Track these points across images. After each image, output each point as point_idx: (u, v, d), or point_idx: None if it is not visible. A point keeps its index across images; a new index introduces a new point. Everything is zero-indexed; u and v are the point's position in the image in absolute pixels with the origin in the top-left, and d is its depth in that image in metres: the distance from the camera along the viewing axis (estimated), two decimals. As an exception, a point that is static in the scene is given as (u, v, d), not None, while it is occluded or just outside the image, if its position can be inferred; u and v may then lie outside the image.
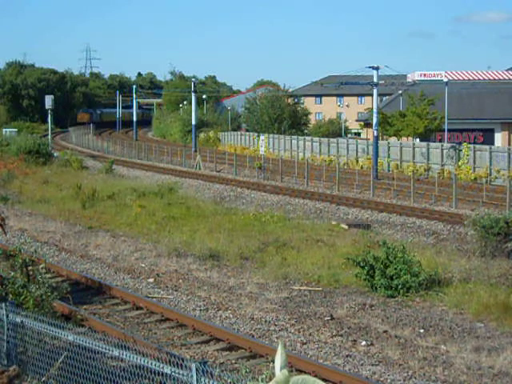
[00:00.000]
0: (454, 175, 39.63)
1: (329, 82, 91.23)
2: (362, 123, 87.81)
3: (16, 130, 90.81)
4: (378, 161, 51.65)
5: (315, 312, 16.57)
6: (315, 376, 11.67)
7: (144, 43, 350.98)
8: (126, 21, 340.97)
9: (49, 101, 67.66)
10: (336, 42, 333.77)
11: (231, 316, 16.22)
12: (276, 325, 15.61)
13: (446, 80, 66.18)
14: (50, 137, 70.39)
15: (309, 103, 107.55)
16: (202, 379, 7.73)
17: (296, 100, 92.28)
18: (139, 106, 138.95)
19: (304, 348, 14.14)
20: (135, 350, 8.87)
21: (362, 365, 13.26)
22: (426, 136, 62.56)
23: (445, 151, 51.78)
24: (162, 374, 8.29)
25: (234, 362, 13.40)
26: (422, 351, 13.99)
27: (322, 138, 70.18)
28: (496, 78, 79.50)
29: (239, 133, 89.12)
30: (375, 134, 50.14)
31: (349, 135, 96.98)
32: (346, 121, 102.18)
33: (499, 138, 70.00)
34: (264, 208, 33.02)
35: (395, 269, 17.99)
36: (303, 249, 22.94)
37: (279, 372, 3.40)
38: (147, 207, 31.25)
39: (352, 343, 14.46)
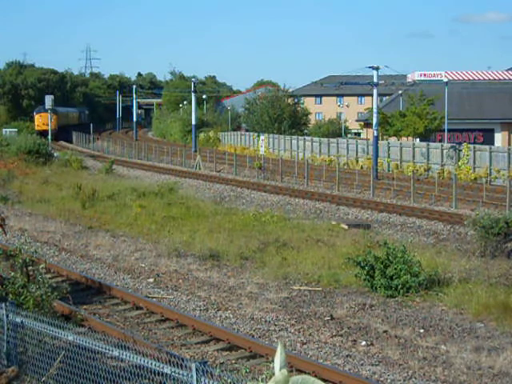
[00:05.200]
0: (454, 175, 39.62)
1: (329, 82, 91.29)
2: (362, 123, 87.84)
3: (16, 130, 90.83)
4: (378, 161, 51.65)
5: (315, 312, 16.56)
6: (315, 376, 11.67)
7: (144, 43, 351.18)
8: (126, 21, 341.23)
9: (49, 101, 67.70)
10: (336, 42, 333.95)
11: (231, 316, 16.23)
12: (276, 325, 15.61)
13: (445, 80, 66.18)
14: (49, 137, 70.38)
15: (309, 103, 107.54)
16: (202, 379, 7.73)
17: (296, 100, 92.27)
18: (90, 103, 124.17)
19: (304, 348, 14.14)
20: (135, 350, 8.87)
21: (362, 365, 13.25)
22: (425, 136, 62.56)
23: (445, 151, 51.78)
24: (162, 374, 8.29)
25: (234, 361, 13.39)
26: (421, 351, 13.98)
27: (321, 138, 70.18)
28: (496, 78, 79.57)
29: (239, 133, 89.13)
30: (375, 133, 50.14)
31: (349, 135, 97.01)
32: (346, 121, 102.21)
33: (499, 138, 70.01)
34: (264, 208, 33.01)
35: (395, 269, 17.99)
36: (303, 249, 22.93)
37: (278, 372, 3.40)
38: (147, 207, 31.25)
39: (352, 343, 14.46)
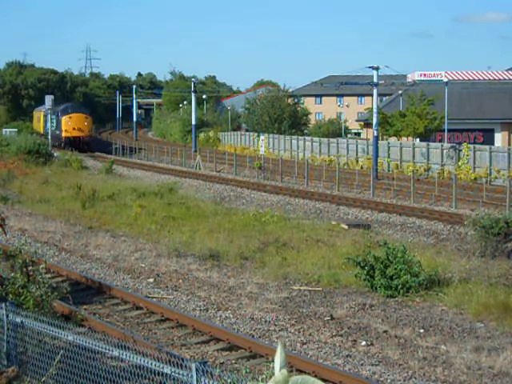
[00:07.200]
0: (454, 175, 39.62)
1: (329, 82, 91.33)
2: (362, 123, 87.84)
3: (16, 130, 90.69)
4: (378, 161, 51.67)
5: (315, 312, 16.57)
6: (315, 376, 11.67)
7: (144, 43, 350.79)
8: (126, 21, 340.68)
9: (49, 101, 67.43)
10: (336, 42, 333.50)
11: (231, 316, 16.23)
12: (276, 325, 15.61)
13: (446, 80, 66.22)
14: (49, 137, 70.27)
15: (309, 103, 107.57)
16: (202, 379, 7.73)
17: (296, 100, 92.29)
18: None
19: (304, 348, 14.14)
20: (135, 350, 8.87)
21: (361, 365, 13.25)
22: (425, 136, 62.58)
23: (445, 151, 51.79)
24: (162, 374, 8.29)
25: (234, 362, 13.39)
26: (421, 351, 13.98)
27: (322, 138, 70.20)
28: (496, 78, 79.61)
29: (239, 133, 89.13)
30: (375, 133, 50.16)
31: (349, 135, 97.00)
32: (346, 121, 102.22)
33: (499, 138, 70.04)
34: (264, 208, 33.01)
35: (395, 269, 17.99)
36: (303, 249, 22.93)
37: (278, 372, 3.40)
38: (147, 207, 31.25)
39: (352, 343, 14.46)
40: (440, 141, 62.81)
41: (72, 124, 68.91)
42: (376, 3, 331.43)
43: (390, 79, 72.40)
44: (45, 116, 73.45)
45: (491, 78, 79.46)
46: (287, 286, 18.98)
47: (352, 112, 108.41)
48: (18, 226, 27.51)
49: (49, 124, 71.53)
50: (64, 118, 69.84)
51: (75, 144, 67.53)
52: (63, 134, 69.22)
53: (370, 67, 49.55)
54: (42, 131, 74.49)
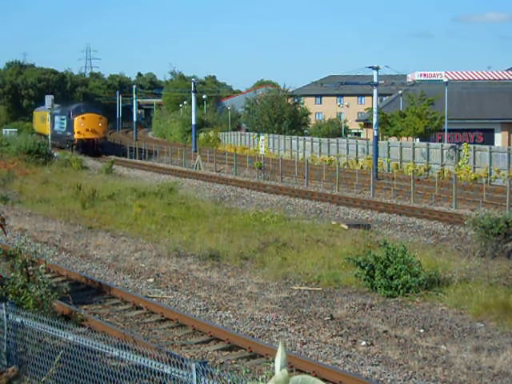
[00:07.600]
0: (454, 175, 39.62)
1: (329, 82, 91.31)
2: (362, 123, 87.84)
3: (16, 130, 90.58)
4: (378, 161, 51.65)
5: (315, 312, 16.56)
6: (315, 376, 11.67)
7: (144, 43, 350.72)
8: (126, 21, 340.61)
9: (49, 101, 67.29)
10: (336, 42, 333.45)
11: (231, 316, 16.22)
12: (276, 325, 15.61)
13: (445, 80, 66.22)
14: (49, 137, 70.23)
15: (309, 103, 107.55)
16: (202, 379, 7.73)
17: (296, 100, 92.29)
18: None
19: (304, 348, 14.14)
20: (135, 350, 8.87)
21: (361, 365, 13.25)
22: (425, 136, 62.58)
23: (445, 151, 51.78)
24: (162, 374, 8.29)
25: (234, 362, 13.39)
26: (421, 351, 13.98)
27: (321, 138, 70.19)
28: (496, 78, 79.62)
29: (239, 133, 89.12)
30: (375, 133, 50.16)
31: (349, 135, 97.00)
32: (346, 121, 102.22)
33: (499, 138, 70.03)
34: (264, 208, 33.00)
35: (395, 269, 17.99)
36: (303, 249, 22.93)
37: (279, 372, 3.40)
38: (147, 207, 31.25)
39: (352, 343, 14.46)
40: (440, 141, 62.80)
41: (85, 125, 64.32)
42: (376, 3, 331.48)
43: (390, 79, 72.40)
44: (52, 116, 70.11)
45: (491, 78, 79.48)
46: (287, 285, 18.98)
47: (352, 112, 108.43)
48: (18, 225, 27.50)
49: (56, 125, 68.31)
50: (76, 119, 65.22)
51: (88, 147, 64.00)
52: (75, 136, 64.78)
53: (369, 67, 49.55)
54: (48, 132, 69.77)
